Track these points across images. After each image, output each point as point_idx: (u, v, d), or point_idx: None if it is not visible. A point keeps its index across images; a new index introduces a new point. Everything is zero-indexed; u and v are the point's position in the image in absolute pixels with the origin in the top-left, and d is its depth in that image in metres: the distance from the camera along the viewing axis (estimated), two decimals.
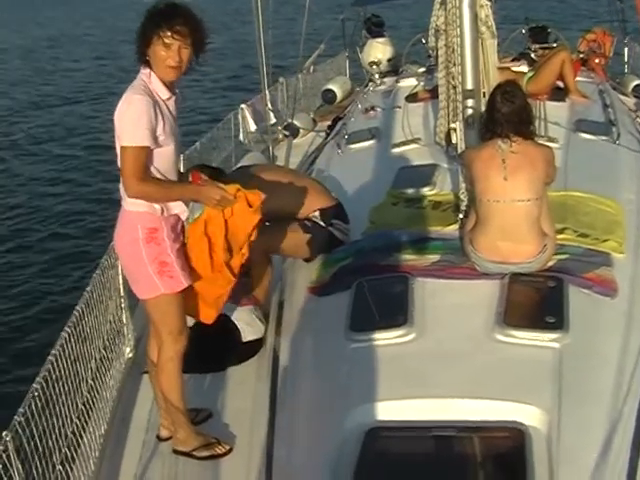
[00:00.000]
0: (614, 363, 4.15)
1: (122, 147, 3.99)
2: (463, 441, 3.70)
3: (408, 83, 9.11)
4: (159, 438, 4.47)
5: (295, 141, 9.99)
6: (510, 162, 4.82)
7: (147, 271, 4.10)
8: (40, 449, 3.63)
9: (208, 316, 4.46)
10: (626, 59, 12.41)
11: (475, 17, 5.94)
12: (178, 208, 4.17)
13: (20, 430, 3.48)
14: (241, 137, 9.71)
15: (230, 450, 4.31)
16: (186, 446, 4.32)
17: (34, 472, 3.58)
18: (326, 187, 5.77)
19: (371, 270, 5.02)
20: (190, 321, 4.42)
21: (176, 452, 4.33)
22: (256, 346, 5.08)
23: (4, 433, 3.39)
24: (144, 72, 4.09)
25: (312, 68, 12.25)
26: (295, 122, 10.20)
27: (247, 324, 5.09)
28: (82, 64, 30.22)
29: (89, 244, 11.72)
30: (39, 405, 3.65)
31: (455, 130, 6.09)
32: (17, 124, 20.97)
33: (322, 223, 5.43)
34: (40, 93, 25.02)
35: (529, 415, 3.74)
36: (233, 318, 5.08)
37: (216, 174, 4.87)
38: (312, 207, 5.45)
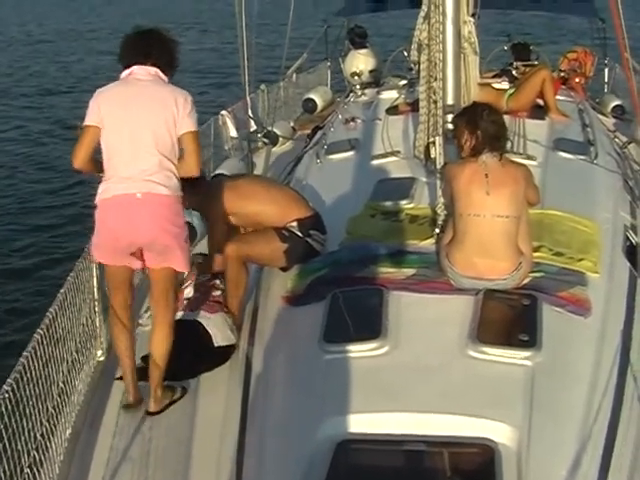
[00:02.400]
0: (585, 382, 4.17)
1: (196, 132, 4.61)
2: (433, 456, 3.71)
3: (389, 95, 9.06)
4: (127, 406, 4.72)
5: (274, 149, 9.98)
6: (493, 177, 4.84)
7: (187, 243, 4.70)
8: (8, 451, 3.61)
9: None
10: (606, 79, 12.49)
11: (458, 33, 5.98)
12: None
13: None
14: (223, 143, 9.71)
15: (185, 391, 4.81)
16: (161, 403, 4.68)
17: (1, 474, 3.55)
18: (305, 197, 5.77)
19: (346, 282, 5.01)
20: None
21: (152, 413, 4.63)
22: (228, 353, 5.06)
23: None
24: (164, 77, 4.67)
25: (294, 76, 12.27)
26: (275, 130, 10.19)
27: (219, 330, 5.07)
28: (78, 57, 30.23)
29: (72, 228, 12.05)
30: (9, 407, 3.62)
31: (434, 144, 6.11)
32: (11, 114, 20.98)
33: (299, 233, 5.41)
34: (37, 83, 25.01)
35: (499, 432, 3.75)
36: (204, 324, 5.07)
37: (196, 178, 4.85)
38: (290, 217, 5.43)
